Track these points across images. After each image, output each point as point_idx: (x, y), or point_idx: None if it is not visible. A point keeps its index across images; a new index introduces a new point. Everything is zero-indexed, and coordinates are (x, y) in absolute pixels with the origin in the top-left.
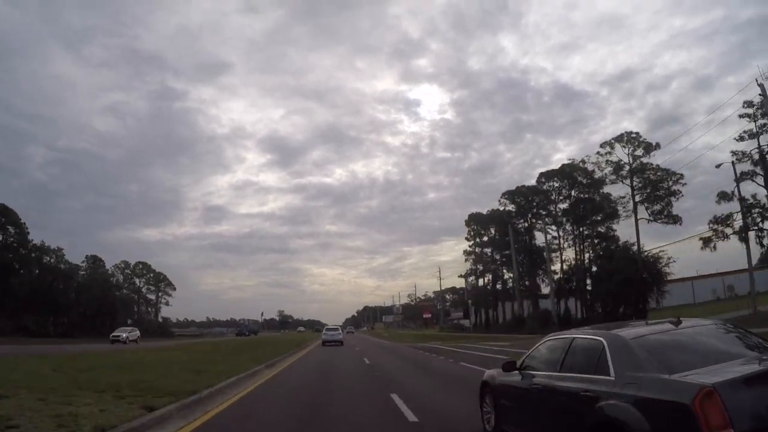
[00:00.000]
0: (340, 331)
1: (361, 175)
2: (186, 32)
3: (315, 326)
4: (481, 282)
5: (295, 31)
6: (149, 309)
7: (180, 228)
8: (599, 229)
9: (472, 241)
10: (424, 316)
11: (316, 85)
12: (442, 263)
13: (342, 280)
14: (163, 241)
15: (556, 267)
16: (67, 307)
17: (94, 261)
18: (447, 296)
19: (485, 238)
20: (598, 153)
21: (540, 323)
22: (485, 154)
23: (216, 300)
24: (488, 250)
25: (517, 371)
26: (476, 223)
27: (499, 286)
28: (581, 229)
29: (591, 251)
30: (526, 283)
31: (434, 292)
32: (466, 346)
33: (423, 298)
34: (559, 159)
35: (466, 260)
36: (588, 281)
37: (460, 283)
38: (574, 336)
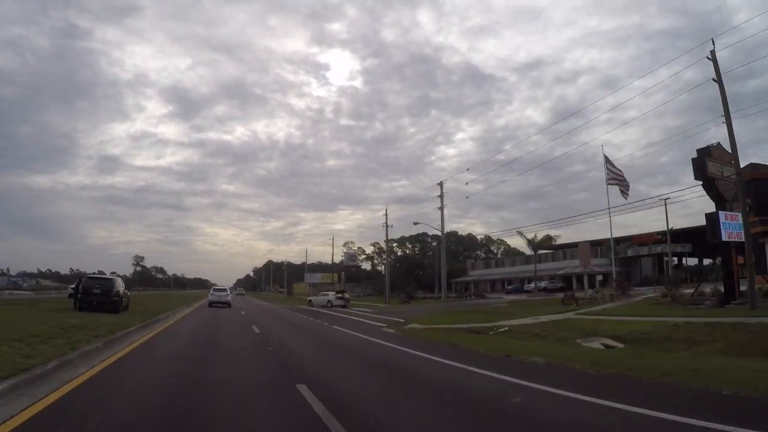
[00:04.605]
0: (228, 293)
1: (262, 136)
2: None
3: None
4: None
5: None
6: None
7: (72, 176)
8: None
9: None
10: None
11: (226, 38)
12: (337, 232)
13: (235, 242)
14: (53, 189)
15: None
16: None
17: None
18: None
19: None
20: None
21: None
22: (390, 125)
23: (103, 254)
24: None
25: None
26: None
27: None
28: None
29: None
30: None
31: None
32: None
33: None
34: (461, 138)
35: None
36: None
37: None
38: None
